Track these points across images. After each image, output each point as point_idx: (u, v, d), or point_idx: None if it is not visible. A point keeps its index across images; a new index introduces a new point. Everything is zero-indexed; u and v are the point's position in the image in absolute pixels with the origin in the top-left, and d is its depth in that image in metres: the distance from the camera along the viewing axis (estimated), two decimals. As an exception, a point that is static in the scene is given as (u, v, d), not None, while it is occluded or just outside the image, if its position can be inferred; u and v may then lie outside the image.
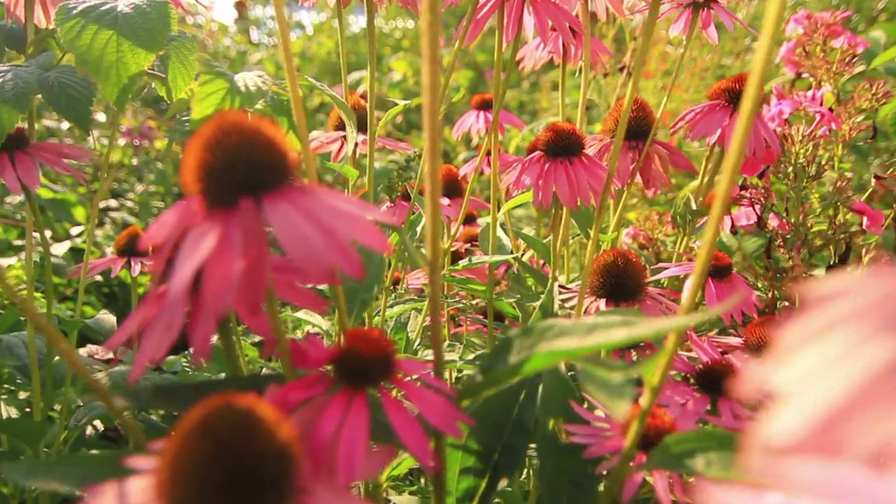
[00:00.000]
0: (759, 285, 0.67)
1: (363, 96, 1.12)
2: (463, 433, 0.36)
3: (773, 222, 0.74)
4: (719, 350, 0.58)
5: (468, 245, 0.97)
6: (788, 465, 0.14)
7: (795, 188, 0.70)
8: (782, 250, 0.70)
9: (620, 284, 0.53)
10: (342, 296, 0.43)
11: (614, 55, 1.42)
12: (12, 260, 1.21)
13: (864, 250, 0.70)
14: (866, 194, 0.78)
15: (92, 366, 0.72)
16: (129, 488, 0.30)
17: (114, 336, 0.34)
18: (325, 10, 4.35)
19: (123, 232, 0.85)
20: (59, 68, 0.51)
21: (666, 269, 0.68)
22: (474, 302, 0.83)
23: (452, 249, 0.92)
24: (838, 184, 0.68)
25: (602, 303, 0.53)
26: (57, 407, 0.79)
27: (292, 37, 4.54)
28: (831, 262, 0.65)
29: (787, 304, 0.70)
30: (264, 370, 0.85)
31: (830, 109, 0.74)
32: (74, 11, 0.43)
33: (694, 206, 0.76)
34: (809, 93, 0.82)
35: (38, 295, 0.93)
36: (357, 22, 4.51)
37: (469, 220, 1.06)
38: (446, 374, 0.74)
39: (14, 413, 0.81)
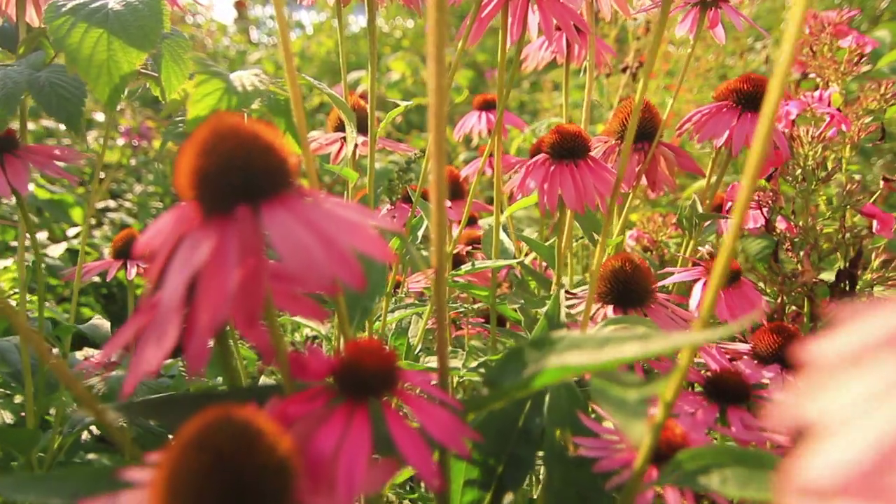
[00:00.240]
0: (768, 290, 0.66)
1: (363, 96, 1.11)
2: (469, 449, 0.34)
3: (780, 225, 0.73)
4: (727, 357, 0.57)
5: (469, 248, 0.95)
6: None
7: (804, 191, 0.68)
8: (790, 254, 0.69)
9: (628, 290, 0.52)
10: (343, 303, 0.41)
11: (617, 55, 1.41)
12: (9, 261, 1.19)
13: (873, 254, 0.69)
14: (874, 196, 0.77)
15: (89, 370, 0.70)
16: (123, 503, 0.29)
17: (106, 347, 0.33)
18: (324, 9, 4.34)
19: (119, 234, 0.84)
20: (51, 68, 0.49)
21: (672, 273, 0.67)
22: (476, 306, 0.81)
23: (453, 252, 0.90)
24: (848, 187, 0.67)
25: (610, 309, 0.52)
26: (53, 411, 0.78)
27: (292, 36, 4.53)
28: (841, 267, 0.64)
29: (794, 308, 0.69)
30: (263, 376, 0.83)
31: (839, 110, 0.72)
32: (64, 9, 0.42)
33: (700, 209, 0.75)
34: (816, 93, 0.81)
35: (33, 298, 0.92)
36: (357, 21, 4.50)
37: (470, 221, 1.05)
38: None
39: (9, 417, 0.80)
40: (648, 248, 0.98)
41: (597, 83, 1.53)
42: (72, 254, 1.54)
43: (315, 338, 1.05)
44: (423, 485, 0.74)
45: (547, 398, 0.45)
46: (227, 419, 0.27)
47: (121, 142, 2.26)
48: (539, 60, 0.84)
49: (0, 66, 0.47)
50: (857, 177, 0.74)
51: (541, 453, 0.45)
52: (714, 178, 0.73)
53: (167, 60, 0.46)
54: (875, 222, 0.67)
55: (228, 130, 0.30)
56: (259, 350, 0.32)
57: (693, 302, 0.58)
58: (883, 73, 1.39)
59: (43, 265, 1.37)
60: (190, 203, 0.30)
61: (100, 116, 2.17)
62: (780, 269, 0.66)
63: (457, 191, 0.88)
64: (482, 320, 0.94)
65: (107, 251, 1.21)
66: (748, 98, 0.66)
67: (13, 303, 0.80)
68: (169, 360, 0.92)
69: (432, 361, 0.68)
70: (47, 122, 2.05)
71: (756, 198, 0.71)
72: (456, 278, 0.66)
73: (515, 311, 0.72)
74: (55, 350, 0.79)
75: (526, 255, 0.94)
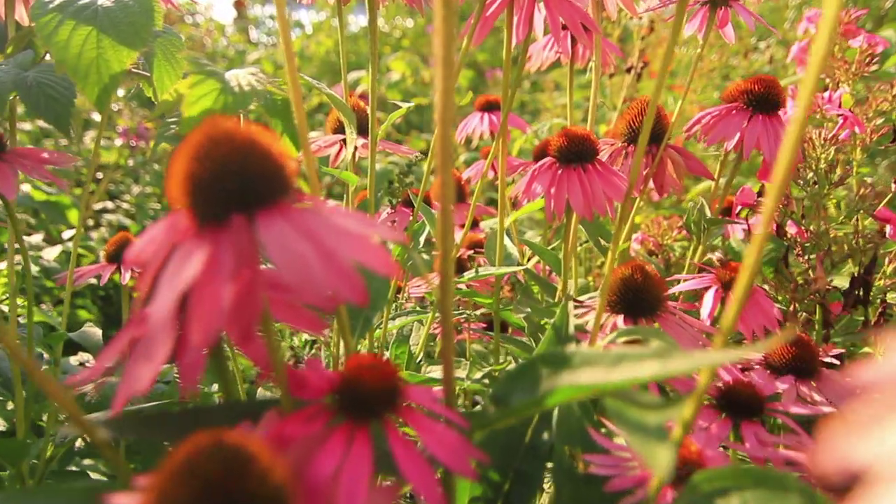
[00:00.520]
0: (780, 297, 0.64)
1: (363, 97, 1.09)
2: (476, 473, 0.33)
3: (790, 230, 0.71)
4: (738, 366, 0.55)
5: (471, 251, 0.94)
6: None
7: (815, 194, 0.67)
8: (801, 259, 0.67)
9: (639, 300, 0.50)
10: (345, 313, 0.40)
11: (622, 55, 1.39)
12: (2, 265, 1.17)
13: (885, 260, 0.67)
14: (885, 200, 0.75)
15: (81, 382, 0.68)
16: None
17: (97, 362, 0.31)
18: (324, 8, 4.32)
19: (113, 238, 0.82)
20: (39, 67, 0.48)
21: (680, 280, 0.65)
22: (477, 312, 0.79)
23: (456, 257, 0.89)
24: (861, 191, 0.65)
25: (620, 319, 0.50)
26: (46, 416, 0.76)
27: (291, 36, 4.51)
28: (855, 274, 0.62)
29: (805, 314, 0.67)
30: (261, 388, 0.82)
31: (851, 111, 0.71)
32: (51, 5, 0.40)
33: (708, 213, 0.73)
34: (825, 94, 0.79)
35: (23, 301, 0.90)
36: (356, 21, 4.48)
37: (472, 224, 1.03)
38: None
39: (2, 424, 0.78)
40: (653, 252, 0.96)
41: (600, 83, 1.51)
42: (68, 256, 1.53)
43: (314, 342, 1.03)
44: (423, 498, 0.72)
45: (555, 412, 0.43)
46: (218, 443, 0.25)
47: (119, 142, 2.24)
48: (543, 60, 0.82)
49: (-14, 66, 0.45)
50: (869, 180, 0.72)
51: (549, 464, 0.43)
52: (724, 180, 0.71)
53: (160, 60, 0.44)
54: (889, 227, 0.65)
55: (223, 134, 0.28)
56: (255, 365, 0.31)
57: (704, 311, 0.57)
58: (889, 74, 1.38)
59: (38, 268, 1.35)
60: (183, 211, 0.28)
61: (98, 116, 2.15)
62: (791, 276, 0.65)
63: (459, 194, 0.86)
64: (484, 325, 0.93)
65: (103, 254, 1.19)
66: (759, 99, 0.64)
67: (4, 308, 0.78)
68: (165, 366, 0.90)
69: (434, 371, 0.66)
70: (44, 123, 2.03)
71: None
72: (459, 285, 0.65)
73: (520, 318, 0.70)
74: (46, 356, 0.77)
75: (529, 259, 0.92)
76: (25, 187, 1.57)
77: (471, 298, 0.67)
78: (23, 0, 0.56)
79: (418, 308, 0.73)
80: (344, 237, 0.27)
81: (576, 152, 0.57)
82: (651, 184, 0.68)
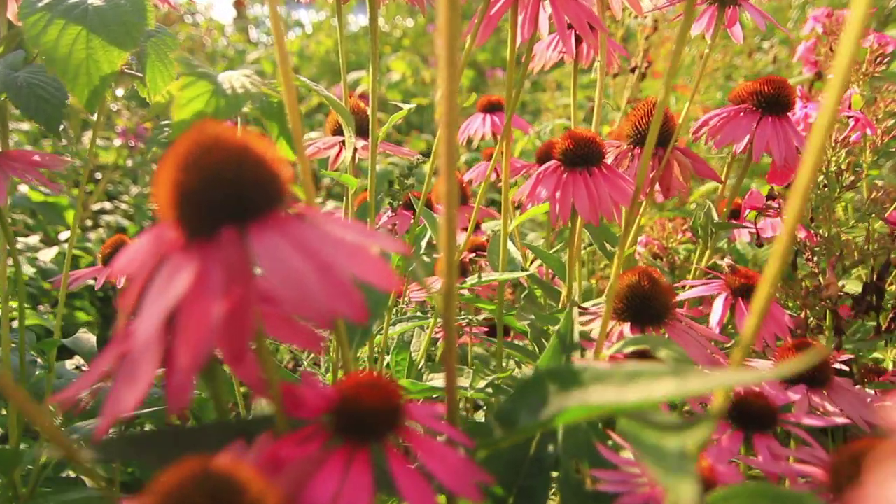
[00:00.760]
0: (790, 304, 0.62)
1: (363, 97, 1.07)
2: (481, 494, 0.31)
3: (799, 233, 0.70)
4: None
5: (473, 255, 0.92)
6: None
7: (826, 197, 0.65)
8: (810, 263, 0.65)
9: (646, 307, 0.48)
10: (342, 326, 0.38)
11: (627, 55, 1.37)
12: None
13: (897, 264, 0.66)
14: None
15: (69, 400, 0.67)
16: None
17: (84, 377, 0.30)
18: (324, 8, 4.31)
19: (109, 240, 0.81)
20: (30, 68, 0.46)
21: (687, 286, 0.64)
22: (480, 317, 0.78)
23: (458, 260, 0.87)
24: (873, 194, 0.63)
25: (627, 327, 0.49)
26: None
27: (291, 35, 4.50)
28: (867, 280, 0.61)
29: (815, 320, 0.65)
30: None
31: (862, 113, 0.69)
32: (39, 5, 0.38)
33: (715, 216, 0.71)
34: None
35: (18, 304, 0.89)
36: (356, 21, 4.46)
37: (474, 227, 1.01)
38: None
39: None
40: (658, 256, 0.94)
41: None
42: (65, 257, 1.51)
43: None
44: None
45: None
46: (206, 473, 0.23)
47: (117, 142, 2.22)
48: (546, 60, 0.81)
49: (-28, 67, 0.44)
50: (880, 183, 0.70)
51: (554, 474, 0.42)
52: (733, 182, 0.70)
53: (153, 60, 0.43)
54: (901, 231, 0.63)
55: (213, 141, 0.26)
56: (249, 385, 0.29)
57: (714, 318, 0.55)
58: (895, 74, 1.36)
59: (34, 270, 1.34)
60: (170, 223, 0.27)
61: (96, 116, 2.14)
62: (801, 282, 0.63)
63: (461, 196, 0.85)
64: (486, 330, 0.91)
65: (99, 256, 1.17)
66: (769, 101, 0.63)
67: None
68: (159, 370, 0.88)
69: (436, 379, 0.65)
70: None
71: (777, 205, 0.67)
72: (462, 291, 0.63)
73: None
74: (40, 361, 0.76)
75: (531, 262, 0.90)
76: (23, 188, 1.56)
77: (474, 303, 0.65)
78: (13, -1, 0.55)
79: (419, 313, 0.72)
80: (342, 250, 0.25)
81: (582, 155, 0.56)
82: (656, 186, 0.67)
